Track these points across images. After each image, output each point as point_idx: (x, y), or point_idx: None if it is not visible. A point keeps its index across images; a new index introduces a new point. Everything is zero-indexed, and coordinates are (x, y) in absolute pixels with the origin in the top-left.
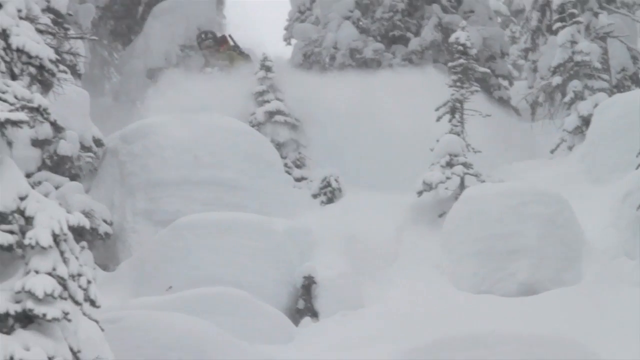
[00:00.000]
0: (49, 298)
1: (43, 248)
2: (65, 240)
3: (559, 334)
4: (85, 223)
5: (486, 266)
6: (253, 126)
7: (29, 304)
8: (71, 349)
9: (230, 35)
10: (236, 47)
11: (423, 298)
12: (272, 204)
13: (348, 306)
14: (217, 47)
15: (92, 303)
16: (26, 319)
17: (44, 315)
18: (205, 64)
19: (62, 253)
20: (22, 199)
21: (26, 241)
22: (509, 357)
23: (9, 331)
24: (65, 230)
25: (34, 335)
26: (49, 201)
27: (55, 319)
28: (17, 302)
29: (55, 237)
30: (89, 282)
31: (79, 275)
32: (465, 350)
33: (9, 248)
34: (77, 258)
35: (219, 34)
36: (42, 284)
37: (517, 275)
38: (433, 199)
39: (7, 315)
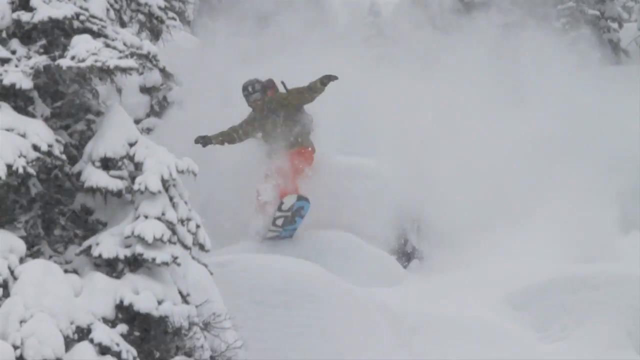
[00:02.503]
0: (158, 242)
1: (152, 193)
2: (174, 186)
3: None
4: (195, 168)
5: None
6: None
7: (139, 249)
8: (180, 293)
9: (282, 82)
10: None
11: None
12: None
13: (455, 249)
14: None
15: (201, 247)
16: (135, 264)
17: (154, 259)
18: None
19: (171, 198)
20: (131, 145)
21: (135, 187)
22: (619, 297)
23: (119, 275)
24: (175, 175)
25: (143, 279)
26: (157, 147)
27: (164, 263)
28: (127, 246)
29: (164, 182)
30: (197, 226)
31: (188, 219)
32: (575, 291)
33: (119, 194)
34: (186, 203)
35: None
36: (151, 229)
37: None
38: None
39: (116, 259)
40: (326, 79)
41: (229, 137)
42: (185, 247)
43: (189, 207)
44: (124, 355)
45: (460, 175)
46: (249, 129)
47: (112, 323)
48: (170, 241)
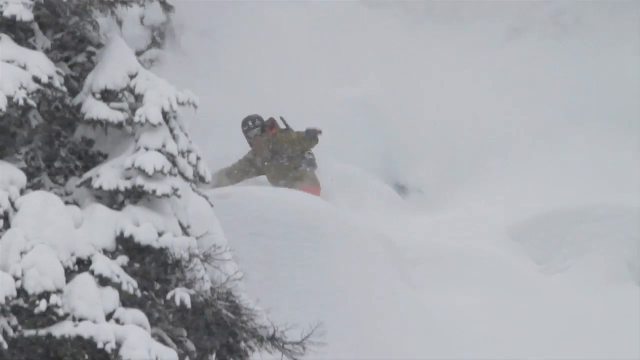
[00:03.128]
0: (158, 174)
1: (152, 125)
2: (174, 117)
3: None
4: (195, 100)
5: None
6: None
7: (139, 180)
8: (181, 225)
9: (282, 118)
10: (287, 130)
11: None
12: None
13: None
14: (264, 135)
15: (202, 179)
16: (136, 195)
17: (154, 191)
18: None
19: (171, 130)
20: (131, 76)
21: (136, 118)
22: (620, 228)
23: (119, 207)
24: (175, 107)
25: (143, 211)
26: (158, 79)
27: (164, 195)
28: (127, 178)
29: (164, 114)
30: (198, 158)
31: (189, 151)
32: (575, 223)
33: (119, 125)
34: (186, 135)
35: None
36: (151, 161)
37: None
38: None
39: (117, 191)
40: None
41: (223, 179)
42: (186, 179)
43: (189, 139)
44: (124, 286)
45: (458, 114)
46: (247, 168)
47: (113, 255)
48: (170, 173)
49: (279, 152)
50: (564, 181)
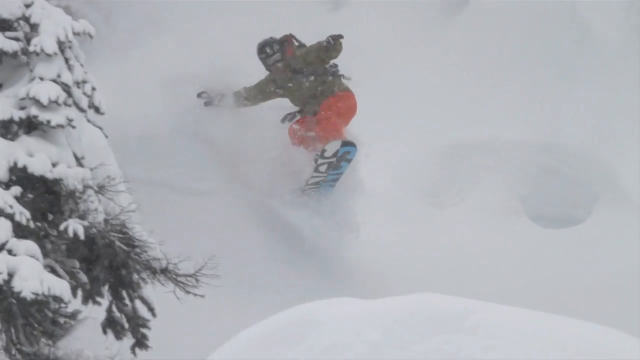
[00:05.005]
0: (53, 105)
1: (48, 55)
2: (70, 48)
3: (564, 141)
4: (91, 30)
5: None
6: None
7: (34, 111)
8: (75, 156)
9: (292, 35)
10: (301, 47)
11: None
12: None
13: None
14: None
15: (97, 110)
16: (30, 126)
17: (48, 121)
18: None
19: (67, 60)
20: (27, 6)
21: (31, 48)
22: (513, 162)
23: (13, 137)
24: (71, 37)
25: (37, 141)
26: (54, 8)
27: (59, 126)
28: (22, 108)
29: (60, 44)
30: (93, 89)
31: (84, 82)
32: (471, 156)
33: (14, 55)
34: (82, 65)
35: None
36: (46, 91)
37: None
38: None
39: (11, 121)
40: (329, 42)
41: (241, 99)
42: (81, 109)
43: (84, 69)
44: (17, 217)
45: None
46: (269, 92)
47: (6, 185)
48: (65, 103)
49: (301, 71)
50: (457, 115)
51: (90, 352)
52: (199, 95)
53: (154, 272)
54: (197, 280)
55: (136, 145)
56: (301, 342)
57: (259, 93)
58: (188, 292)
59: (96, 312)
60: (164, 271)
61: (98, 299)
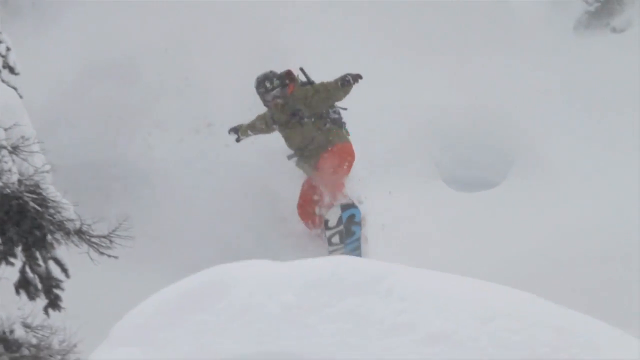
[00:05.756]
0: None
1: None
2: None
3: (481, 105)
4: None
5: None
6: None
7: None
8: None
9: (302, 69)
10: (308, 84)
11: None
12: None
13: None
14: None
15: (11, 70)
16: None
17: None
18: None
19: None
20: None
21: None
22: (429, 126)
23: None
24: None
25: None
26: None
27: None
28: None
29: None
30: (8, 49)
31: None
32: (387, 118)
33: None
34: None
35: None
36: None
37: None
38: None
39: None
40: (348, 81)
41: (258, 128)
42: None
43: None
44: None
45: None
46: (269, 127)
47: None
48: None
49: (300, 112)
50: (379, 78)
51: (3, 313)
52: (229, 131)
53: (67, 233)
54: (111, 242)
55: (50, 108)
56: (214, 304)
57: (263, 124)
58: (102, 254)
59: (9, 273)
60: (78, 232)
61: (11, 259)
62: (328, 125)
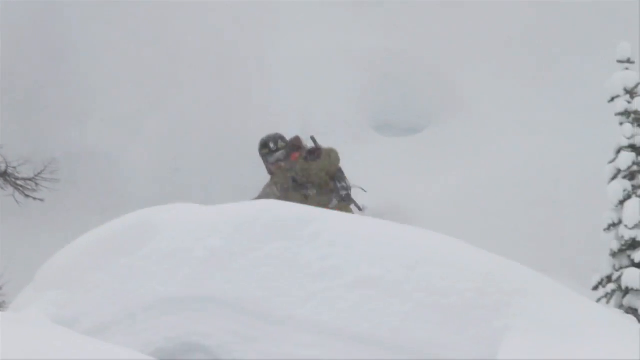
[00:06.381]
0: None
1: None
2: None
3: (406, 49)
4: None
5: None
6: None
7: None
8: None
9: (312, 138)
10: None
11: None
12: None
13: None
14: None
15: None
16: None
17: None
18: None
19: None
20: None
21: None
22: (356, 71)
23: None
24: None
25: None
26: None
27: None
28: None
29: None
30: None
31: None
32: (314, 64)
33: None
34: None
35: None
36: None
37: None
38: None
39: None
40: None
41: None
42: None
43: None
44: None
45: None
46: (275, 193)
47: None
48: None
49: (303, 185)
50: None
51: None
52: None
53: None
54: (36, 184)
55: None
56: (140, 248)
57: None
58: (27, 196)
59: None
60: (3, 175)
61: None
62: (334, 202)
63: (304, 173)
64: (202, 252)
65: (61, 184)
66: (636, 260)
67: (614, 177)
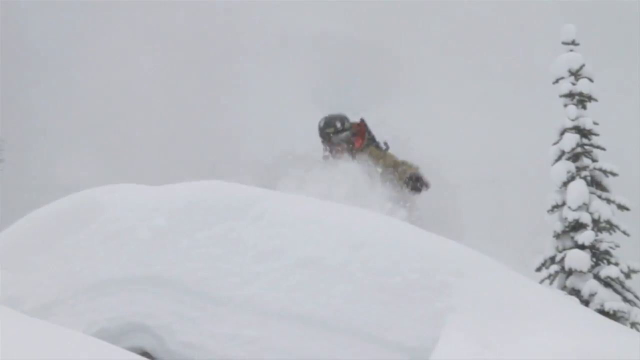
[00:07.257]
0: None
1: None
2: None
3: (359, 36)
4: None
5: None
6: None
7: None
8: None
9: (386, 143)
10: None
11: None
12: None
13: None
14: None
15: None
16: None
17: None
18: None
19: None
20: None
21: None
22: (307, 56)
23: None
24: None
25: None
26: None
27: None
28: None
29: None
30: None
31: None
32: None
33: None
34: None
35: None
36: None
37: None
38: None
39: None
40: (414, 181)
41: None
42: None
43: None
44: None
45: None
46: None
47: None
48: None
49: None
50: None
51: None
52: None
53: None
54: None
55: None
56: (84, 228)
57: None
58: None
59: None
60: None
61: None
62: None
63: (372, 157)
64: (146, 233)
65: (6, 162)
66: (579, 242)
67: (558, 159)
